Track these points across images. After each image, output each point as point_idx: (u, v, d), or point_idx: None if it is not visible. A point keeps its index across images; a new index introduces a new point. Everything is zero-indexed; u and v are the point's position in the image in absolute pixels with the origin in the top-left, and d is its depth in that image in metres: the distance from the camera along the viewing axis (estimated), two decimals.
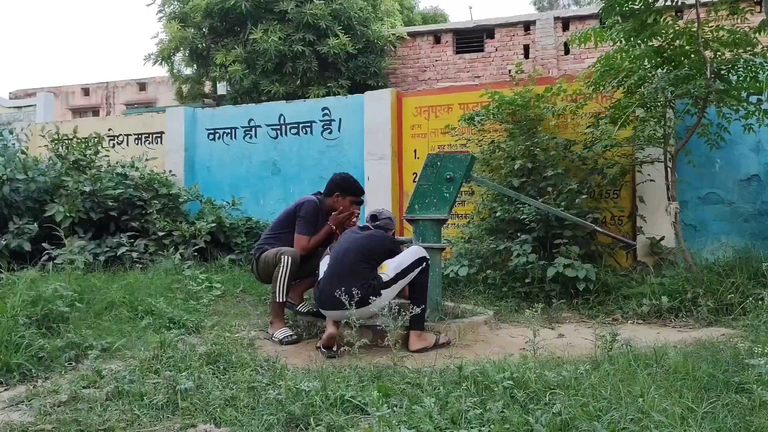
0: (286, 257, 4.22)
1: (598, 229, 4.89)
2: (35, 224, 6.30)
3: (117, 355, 3.60)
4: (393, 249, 4.04)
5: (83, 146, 7.36)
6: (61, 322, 3.86)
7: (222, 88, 13.23)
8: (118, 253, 6.29)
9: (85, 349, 3.53)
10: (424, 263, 4.00)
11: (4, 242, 6.12)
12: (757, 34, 5.03)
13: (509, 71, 13.00)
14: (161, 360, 3.23)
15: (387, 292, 3.83)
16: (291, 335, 4.15)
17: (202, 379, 2.87)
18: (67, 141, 7.50)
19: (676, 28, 5.10)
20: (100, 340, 3.70)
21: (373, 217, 4.34)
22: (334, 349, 3.74)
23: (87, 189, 6.63)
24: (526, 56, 13.82)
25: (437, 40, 14.52)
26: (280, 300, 4.26)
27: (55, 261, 5.34)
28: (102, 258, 6.12)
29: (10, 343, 3.35)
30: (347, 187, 4.61)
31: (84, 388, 2.92)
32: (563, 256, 5.25)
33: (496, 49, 14.10)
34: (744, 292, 4.52)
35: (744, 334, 3.68)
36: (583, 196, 5.51)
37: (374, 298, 3.69)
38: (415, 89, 12.54)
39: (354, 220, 4.45)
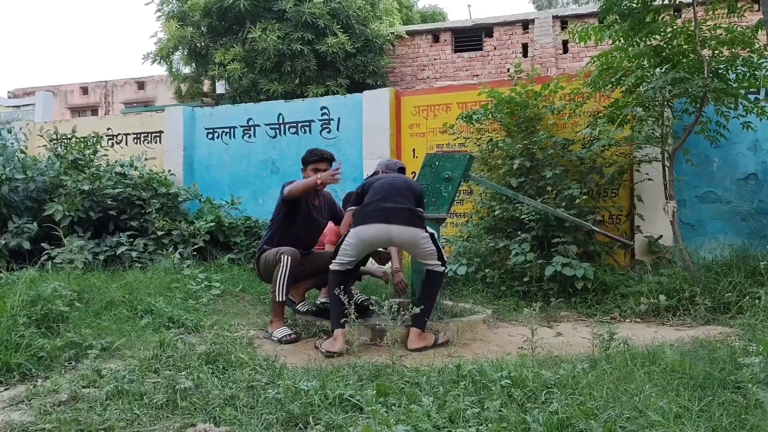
0: (285, 257, 4.20)
1: (596, 229, 4.91)
2: (34, 224, 6.31)
3: (116, 355, 3.61)
4: (422, 198, 4.14)
5: (82, 146, 7.37)
6: (61, 321, 3.88)
7: (221, 87, 13.22)
8: (118, 253, 6.30)
9: (85, 348, 3.54)
10: (446, 267, 4.11)
11: (3, 241, 6.13)
12: (754, 32, 5.04)
13: (508, 70, 13.01)
14: (161, 359, 3.24)
15: (428, 242, 3.93)
16: (290, 334, 4.15)
17: (201, 379, 2.88)
18: (65, 140, 7.51)
19: (674, 27, 5.11)
20: (99, 339, 3.71)
21: (401, 169, 4.66)
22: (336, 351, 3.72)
23: (86, 188, 6.64)
24: (525, 55, 13.83)
25: (436, 39, 14.52)
26: (280, 299, 4.24)
27: (54, 260, 5.35)
28: (101, 257, 6.13)
29: (10, 342, 3.36)
30: (306, 158, 4.60)
31: (84, 387, 2.94)
32: (561, 255, 5.26)
33: (495, 48, 14.10)
34: (741, 291, 4.54)
35: (741, 332, 3.70)
36: (583, 196, 5.52)
37: (423, 230, 3.91)
38: (414, 88, 12.54)
39: (337, 176, 4.27)
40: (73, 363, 3.45)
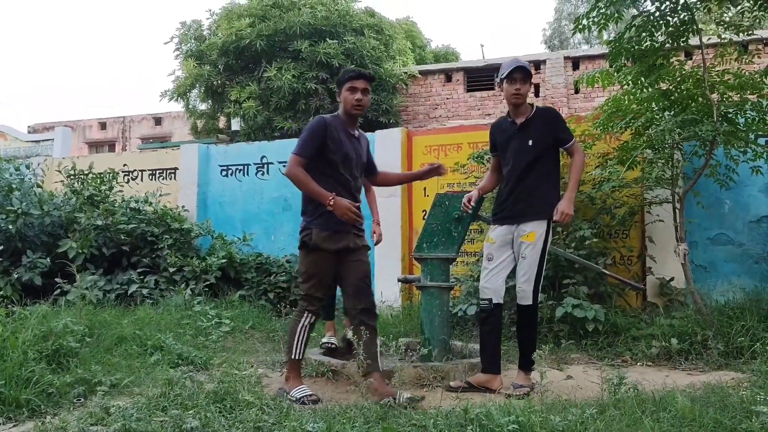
0: (308, 315, 3.76)
1: (606, 272, 4.89)
2: (48, 259, 6.39)
3: (125, 392, 3.63)
4: None
5: (98, 181, 7.50)
6: (71, 357, 3.91)
7: (236, 124, 13.42)
8: (129, 291, 6.35)
9: (94, 385, 3.56)
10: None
11: (16, 276, 6.20)
12: (763, 77, 5.08)
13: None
14: (168, 398, 3.25)
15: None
16: (310, 395, 3.60)
17: (208, 418, 2.88)
18: (82, 176, 7.64)
19: (683, 71, 5.16)
20: (109, 376, 3.74)
21: None
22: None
23: (99, 223, 6.72)
24: (537, 95, 13.95)
25: (448, 79, 14.71)
26: (297, 358, 3.75)
27: (67, 296, 5.41)
28: (112, 295, 6.18)
29: (20, 378, 3.38)
30: (340, 78, 3.84)
31: (92, 425, 2.95)
32: (572, 296, 5.24)
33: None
34: (755, 335, 4.48)
35: (753, 379, 3.65)
36: (593, 238, 5.51)
37: None
38: (427, 126, 12.67)
39: (360, 221, 3.65)
40: (82, 399, 3.47)
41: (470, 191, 4.34)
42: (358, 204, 3.72)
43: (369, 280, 3.85)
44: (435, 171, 4.12)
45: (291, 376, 3.74)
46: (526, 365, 3.87)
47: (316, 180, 3.61)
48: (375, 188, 5.18)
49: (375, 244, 5.01)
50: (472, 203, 4.19)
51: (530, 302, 3.86)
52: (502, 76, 3.95)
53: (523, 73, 3.90)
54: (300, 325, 3.72)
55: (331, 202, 3.51)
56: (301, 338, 3.72)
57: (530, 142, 3.89)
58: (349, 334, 4.68)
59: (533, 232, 3.83)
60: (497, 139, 4.12)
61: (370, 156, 4.09)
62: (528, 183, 3.88)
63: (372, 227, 4.97)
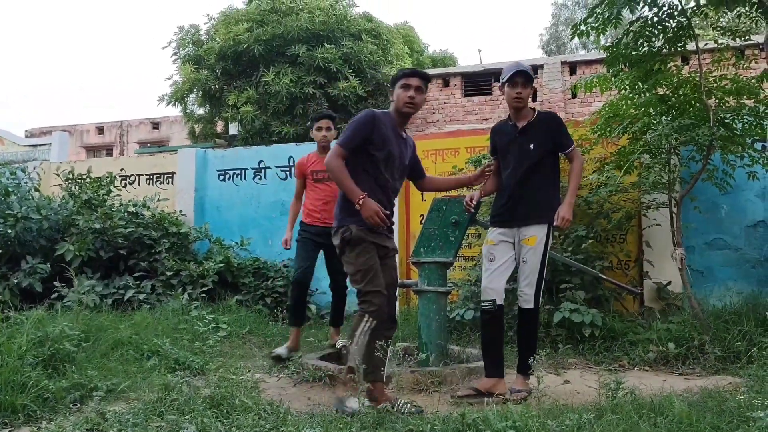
0: (368, 319, 3.42)
1: (603, 276, 4.90)
2: (47, 264, 6.38)
3: (122, 397, 3.61)
4: None
5: (96, 185, 7.49)
6: (68, 362, 3.89)
7: (234, 129, 13.44)
8: (126, 294, 6.34)
9: (90, 390, 3.55)
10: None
11: (15, 281, 6.19)
12: (760, 82, 5.10)
13: None
14: (165, 403, 3.24)
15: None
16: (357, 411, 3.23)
17: (204, 424, 2.87)
18: (80, 180, 7.64)
19: (680, 77, 5.18)
20: (105, 381, 3.72)
21: None
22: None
23: (97, 227, 6.72)
24: (534, 99, 13.98)
25: (446, 83, 14.73)
26: (356, 365, 3.35)
27: (63, 301, 5.39)
28: (109, 300, 6.16)
29: (16, 383, 3.37)
30: (395, 76, 3.72)
31: (88, 430, 2.94)
32: (569, 301, 5.24)
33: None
34: (752, 340, 4.48)
35: (750, 383, 3.65)
36: (589, 240, 5.52)
37: None
38: (424, 131, 12.68)
39: (387, 224, 3.53)
40: (78, 405, 3.45)
41: (466, 195, 4.34)
42: (390, 210, 3.61)
43: (396, 288, 3.73)
44: (482, 176, 4.13)
45: (347, 387, 3.41)
46: (524, 369, 3.87)
47: (354, 175, 3.47)
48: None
49: None
50: (474, 203, 4.18)
51: (531, 305, 3.85)
52: (504, 80, 3.94)
53: (524, 77, 3.89)
54: (359, 331, 3.41)
55: (361, 202, 3.36)
56: (361, 344, 3.39)
57: (531, 146, 3.88)
58: (340, 343, 4.70)
59: (534, 236, 3.82)
60: (498, 143, 4.11)
61: (418, 160, 3.97)
62: (529, 187, 3.87)
63: None
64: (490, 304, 3.84)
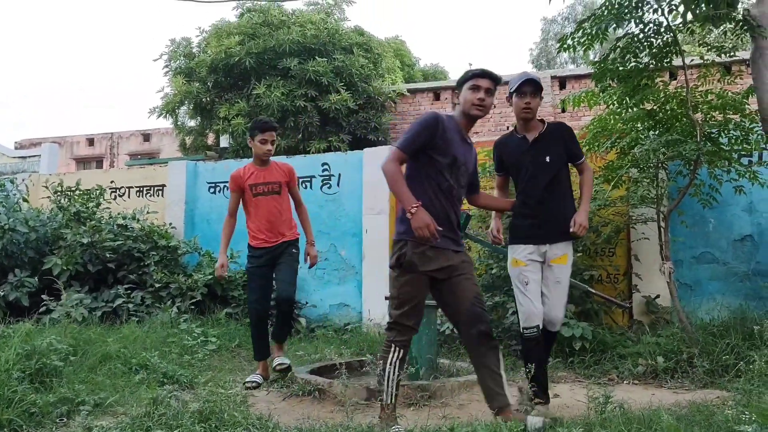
0: (397, 350, 3.25)
1: (592, 290, 4.92)
2: (35, 278, 6.34)
3: (109, 411, 3.59)
4: None
5: (85, 198, 7.47)
6: (55, 376, 3.86)
7: (225, 141, 13.41)
8: (115, 306, 6.31)
9: (77, 404, 3.52)
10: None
11: (2, 294, 6.14)
12: (745, 97, 5.16)
13: (507, 128, 13.22)
14: (153, 417, 3.21)
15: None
16: None
17: None
18: (69, 193, 7.61)
19: (667, 92, 5.23)
20: (92, 395, 3.70)
21: None
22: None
23: (85, 240, 6.69)
24: None
25: (437, 97, 14.81)
26: (389, 402, 3.22)
27: (51, 314, 5.36)
28: (98, 313, 6.12)
29: (2, 398, 3.34)
30: (462, 77, 3.50)
31: None
32: None
33: (494, 106, 14.35)
34: (739, 354, 4.50)
35: (738, 397, 3.67)
36: (579, 254, 5.55)
37: None
38: None
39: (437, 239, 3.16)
40: (65, 419, 3.43)
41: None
42: (456, 218, 3.38)
43: (482, 298, 3.42)
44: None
45: (385, 420, 3.21)
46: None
47: (414, 180, 3.27)
48: (365, 204, 4.96)
49: (309, 267, 4.88)
50: (501, 233, 4.03)
51: (559, 327, 3.78)
52: (511, 90, 3.77)
53: (533, 86, 3.74)
54: (388, 362, 3.22)
55: (413, 211, 3.06)
56: (391, 379, 3.20)
57: (547, 159, 3.72)
58: (278, 361, 4.50)
59: (565, 254, 3.69)
60: (505, 157, 3.90)
61: (476, 171, 3.74)
62: (552, 202, 3.71)
63: (306, 248, 4.80)
64: (536, 330, 3.63)
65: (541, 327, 3.64)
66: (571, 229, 3.64)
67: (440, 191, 3.29)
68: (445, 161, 3.27)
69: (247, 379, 4.58)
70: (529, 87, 3.73)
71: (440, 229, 3.13)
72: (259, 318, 4.67)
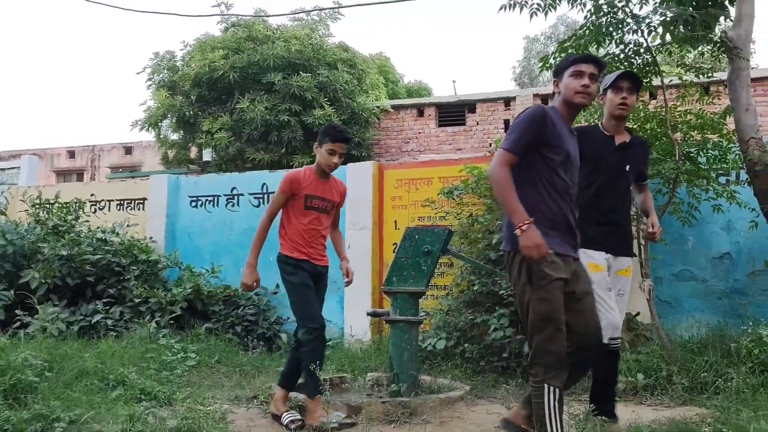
0: (552, 390, 2.75)
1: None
2: (11, 291, 6.24)
3: (84, 428, 3.52)
4: None
5: (64, 211, 7.38)
6: (30, 392, 3.79)
7: (207, 155, 13.36)
8: (93, 321, 6.22)
9: (52, 421, 3.45)
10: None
11: None
12: (723, 118, 5.26)
13: (490, 145, 13.31)
14: None
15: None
16: None
17: None
18: (47, 206, 7.52)
19: (647, 111, 5.31)
20: (68, 412, 3.62)
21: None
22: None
23: (64, 254, 6.60)
24: (506, 130, 14.19)
25: (420, 113, 14.88)
26: None
27: (27, 329, 5.27)
28: (75, 327, 6.03)
29: None
30: (561, 64, 3.16)
31: None
32: None
33: (478, 123, 14.46)
34: (718, 371, 4.54)
35: (716, 414, 3.69)
36: None
37: None
38: (398, 160, 12.78)
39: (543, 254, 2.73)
40: None
41: (440, 225, 4.30)
42: (575, 221, 2.99)
43: (598, 330, 3.02)
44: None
45: None
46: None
47: (527, 184, 2.87)
48: (348, 220, 4.76)
49: (346, 285, 4.54)
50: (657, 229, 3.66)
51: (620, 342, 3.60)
52: (606, 86, 3.54)
53: (631, 81, 3.48)
54: (547, 407, 2.72)
55: (524, 228, 2.69)
56: (555, 424, 2.72)
57: (627, 168, 3.54)
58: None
59: (630, 266, 3.60)
60: (586, 147, 3.31)
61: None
62: (623, 211, 3.58)
63: (342, 265, 4.41)
64: (620, 341, 3.42)
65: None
66: (649, 230, 3.56)
67: (556, 192, 2.91)
68: (558, 158, 2.90)
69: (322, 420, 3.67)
70: (627, 82, 3.49)
71: (552, 250, 2.77)
72: (324, 341, 3.97)
